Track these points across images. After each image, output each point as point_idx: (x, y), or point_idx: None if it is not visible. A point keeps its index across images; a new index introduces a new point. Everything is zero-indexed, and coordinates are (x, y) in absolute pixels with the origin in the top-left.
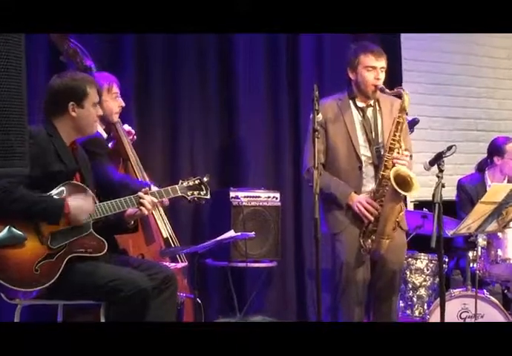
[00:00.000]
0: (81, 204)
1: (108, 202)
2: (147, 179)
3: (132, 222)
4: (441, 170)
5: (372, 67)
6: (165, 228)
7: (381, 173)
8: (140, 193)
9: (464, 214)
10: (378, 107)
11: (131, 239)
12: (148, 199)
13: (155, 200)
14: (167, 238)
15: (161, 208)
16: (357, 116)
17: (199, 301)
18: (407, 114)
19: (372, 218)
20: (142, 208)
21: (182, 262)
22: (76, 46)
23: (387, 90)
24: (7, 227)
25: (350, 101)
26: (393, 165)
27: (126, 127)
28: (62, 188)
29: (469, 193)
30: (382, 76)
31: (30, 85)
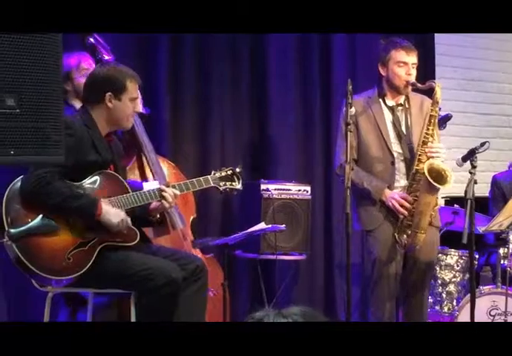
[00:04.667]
0: (112, 208)
1: (130, 194)
2: (163, 174)
3: (157, 216)
4: (473, 167)
5: (404, 63)
6: (177, 220)
7: (415, 167)
8: (162, 186)
9: (496, 211)
10: (407, 106)
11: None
12: (169, 192)
13: (177, 193)
14: (181, 230)
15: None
16: (387, 114)
17: (215, 293)
18: (440, 109)
19: (406, 213)
20: (163, 201)
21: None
22: (97, 41)
23: (419, 85)
24: (41, 215)
25: (380, 100)
26: (427, 159)
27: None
28: (96, 177)
29: (503, 189)
30: (413, 71)
31: None
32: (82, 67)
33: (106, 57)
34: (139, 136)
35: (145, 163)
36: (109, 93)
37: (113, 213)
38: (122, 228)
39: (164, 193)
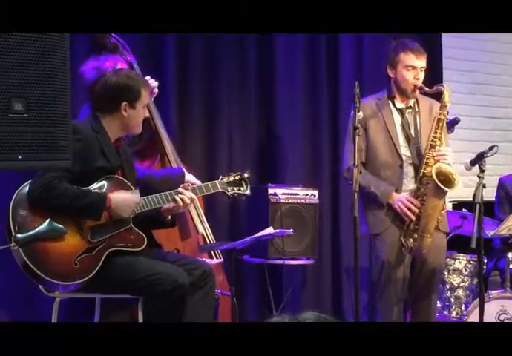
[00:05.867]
0: (123, 198)
1: (147, 197)
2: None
3: (169, 217)
4: (482, 171)
5: (412, 67)
6: (200, 224)
7: (422, 171)
8: (180, 189)
9: (501, 214)
10: (416, 109)
11: (166, 233)
12: (187, 195)
13: (194, 197)
14: (202, 234)
15: (198, 204)
16: (396, 117)
17: (234, 298)
18: (447, 112)
19: (413, 217)
20: (180, 203)
21: (217, 258)
22: (118, 41)
23: (427, 89)
24: (48, 220)
25: (389, 102)
26: (435, 163)
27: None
28: (104, 182)
29: (509, 192)
30: (422, 75)
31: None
32: (117, 68)
33: (128, 58)
34: (163, 139)
35: (168, 164)
36: (125, 103)
37: (122, 207)
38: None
39: (181, 196)
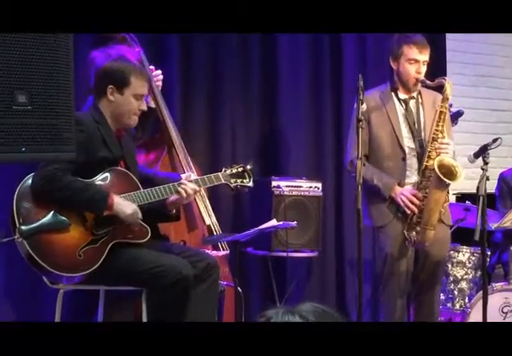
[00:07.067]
0: (126, 206)
1: (149, 189)
2: (191, 165)
3: (174, 211)
4: (486, 163)
5: (415, 60)
6: (207, 216)
7: (425, 163)
8: (183, 181)
9: (503, 208)
10: (420, 100)
11: (173, 225)
12: (190, 187)
13: (197, 188)
14: (209, 225)
15: (205, 195)
16: (399, 108)
17: (240, 290)
18: (450, 106)
19: (415, 210)
20: (183, 194)
21: (224, 250)
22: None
23: (428, 82)
24: (52, 212)
25: (392, 94)
26: (437, 155)
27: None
28: (107, 174)
29: (511, 186)
30: (424, 69)
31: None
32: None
33: (136, 49)
34: (171, 130)
35: (175, 156)
36: (111, 86)
37: (125, 204)
38: (134, 220)
39: (184, 187)
